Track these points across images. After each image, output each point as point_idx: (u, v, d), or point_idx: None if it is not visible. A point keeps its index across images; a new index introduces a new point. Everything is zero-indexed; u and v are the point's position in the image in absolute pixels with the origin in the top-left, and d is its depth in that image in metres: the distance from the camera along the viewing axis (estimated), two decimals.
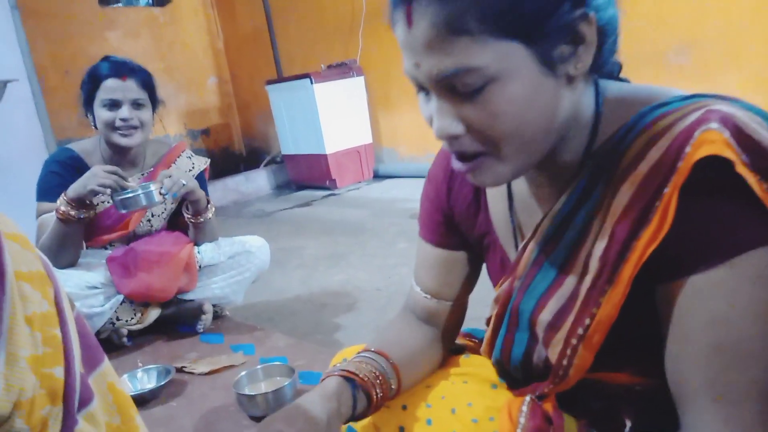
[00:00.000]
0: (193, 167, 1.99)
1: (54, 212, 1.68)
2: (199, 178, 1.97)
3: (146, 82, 1.82)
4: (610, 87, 0.64)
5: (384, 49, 4.55)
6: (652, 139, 0.55)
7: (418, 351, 0.83)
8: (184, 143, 2.11)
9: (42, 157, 2.84)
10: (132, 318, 1.85)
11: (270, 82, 4.82)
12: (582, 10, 0.54)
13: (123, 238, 1.90)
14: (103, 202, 1.81)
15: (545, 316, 0.65)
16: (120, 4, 5.50)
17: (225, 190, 4.85)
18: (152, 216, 1.94)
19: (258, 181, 5.15)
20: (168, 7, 5.66)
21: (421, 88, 0.60)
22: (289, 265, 2.78)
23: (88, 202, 1.69)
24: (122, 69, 1.77)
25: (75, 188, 1.66)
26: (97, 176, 1.64)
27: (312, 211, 4.12)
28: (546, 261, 0.65)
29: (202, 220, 1.88)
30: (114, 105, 1.76)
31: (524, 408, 0.69)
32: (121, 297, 1.80)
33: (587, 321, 0.60)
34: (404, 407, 0.80)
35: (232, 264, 1.93)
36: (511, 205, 0.73)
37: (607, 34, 0.58)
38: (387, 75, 4.63)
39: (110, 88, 1.75)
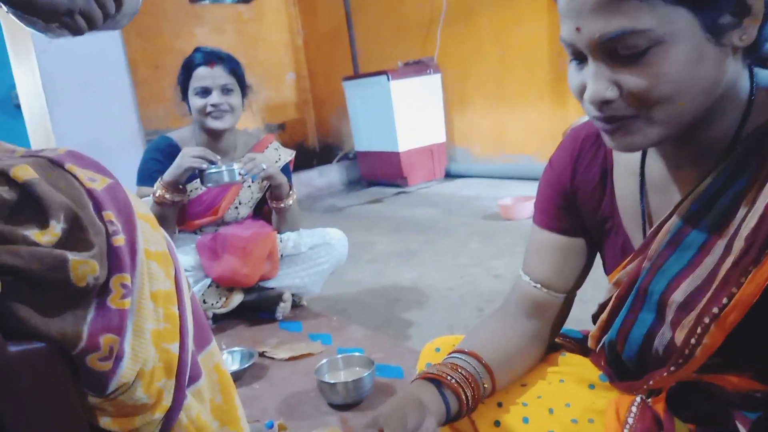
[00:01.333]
0: (279, 158, 2.06)
1: (151, 196, 1.79)
2: (284, 169, 2.05)
3: (234, 68, 1.92)
4: (763, 74, 0.62)
5: (462, 47, 4.53)
6: None
7: (515, 349, 0.82)
8: (272, 136, 2.19)
9: (138, 145, 3.02)
10: (217, 302, 1.93)
11: (347, 79, 4.89)
12: None
13: (212, 224, 2.00)
14: (196, 189, 1.91)
15: (678, 296, 0.63)
16: (207, 1, 5.74)
17: (298, 183, 4.95)
18: (239, 204, 2.02)
19: (330, 176, 5.25)
20: (252, 5, 5.85)
21: (575, 56, 0.61)
22: (361, 260, 2.82)
23: (181, 186, 1.80)
24: (211, 57, 1.88)
25: (170, 171, 1.78)
26: (187, 155, 1.75)
27: (383, 207, 4.16)
28: (683, 242, 0.64)
29: (283, 205, 1.96)
30: (205, 92, 1.87)
31: (633, 408, 0.67)
32: (209, 280, 1.90)
33: (725, 300, 0.58)
34: (499, 404, 0.79)
35: (312, 255, 1.99)
36: (643, 188, 0.72)
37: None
38: (464, 74, 4.60)
39: (201, 76, 1.86)
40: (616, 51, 0.56)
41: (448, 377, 0.73)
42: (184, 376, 0.66)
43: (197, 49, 1.94)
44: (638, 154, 0.73)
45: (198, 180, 1.83)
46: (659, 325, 0.66)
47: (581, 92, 0.61)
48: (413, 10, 4.83)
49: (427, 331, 1.95)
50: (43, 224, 0.56)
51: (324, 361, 1.48)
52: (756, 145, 0.59)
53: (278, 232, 2.01)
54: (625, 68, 0.56)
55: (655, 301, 0.66)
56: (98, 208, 0.60)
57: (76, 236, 0.56)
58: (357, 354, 1.52)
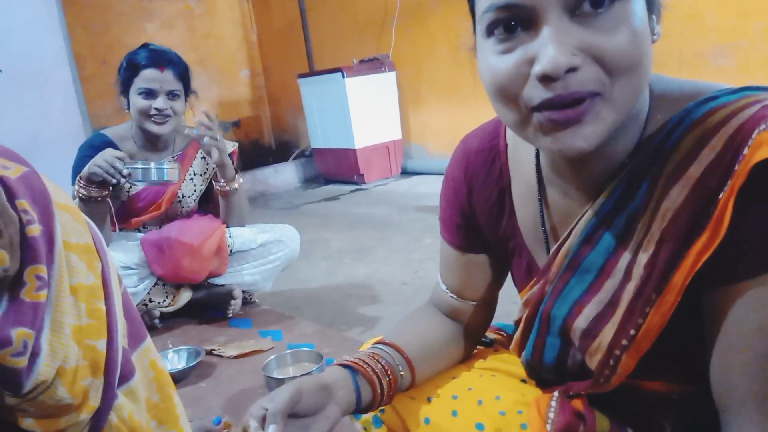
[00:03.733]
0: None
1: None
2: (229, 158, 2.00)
3: (183, 74, 1.86)
4: (655, 80, 0.60)
5: (416, 45, 4.55)
6: (704, 138, 0.52)
7: (438, 344, 0.81)
8: None
9: (80, 141, 2.92)
10: (164, 300, 1.89)
11: (302, 76, 4.86)
12: None
13: (155, 220, 1.95)
14: (135, 185, 1.85)
15: (580, 323, 0.62)
16: None
17: (254, 181, 4.91)
18: (183, 197, 1.98)
19: (286, 173, 5.20)
20: (204, 0, 5.74)
21: (515, 23, 0.51)
22: (314, 257, 2.81)
23: (96, 180, 1.72)
24: (161, 60, 1.80)
25: (84, 169, 1.71)
26: (99, 159, 1.68)
27: (339, 205, 4.14)
28: (581, 265, 0.62)
29: (228, 189, 1.91)
30: (150, 94, 1.80)
31: (553, 403, 0.67)
32: (154, 278, 1.85)
33: (632, 332, 0.57)
34: (429, 399, 0.79)
35: (262, 251, 1.96)
36: (542, 207, 0.69)
37: None
38: (419, 71, 4.63)
39: (148, 77, 1.79)
40: (579, 6, 0.49)
41: (365, 365, 0.72)
42: (113, 375, 0.63)
43: (146, 47, 1.85)
44: (533, 171, 0.68)
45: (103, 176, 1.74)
46: (569, 349, 0.66)
47: (516, 77, 0.52)
48: (368, 6, 4.82)
49: (380, 325, 1.95)
50: None
51: (272, 357, 1.46)
52: (648, 158, 0.56)
53: (226, 225, 1.97)
54: (588, 29, 0.49)
55: (559, 326, 0.65)
56: (11, 197, 0.57)
57: None
58: (306, 349, 1.51)
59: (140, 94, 1.80)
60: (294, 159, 5.44)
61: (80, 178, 1.71)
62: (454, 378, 0.81)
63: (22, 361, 0.54)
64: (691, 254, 0.52)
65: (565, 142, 0.51)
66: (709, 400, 0.56)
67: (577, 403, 0.67)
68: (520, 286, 0.76)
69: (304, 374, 1.35)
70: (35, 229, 0.57)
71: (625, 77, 0.50)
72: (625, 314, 0.58)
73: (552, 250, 0.66)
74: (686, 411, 0.64)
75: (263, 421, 0.65)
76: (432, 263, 2.50)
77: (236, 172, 1.94)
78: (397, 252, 2.76)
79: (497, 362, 0.83)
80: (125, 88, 1.84)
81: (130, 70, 1.81)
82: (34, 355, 0.55)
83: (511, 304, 0.87)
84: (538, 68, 0.49)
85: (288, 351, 1.50)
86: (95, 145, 1.87)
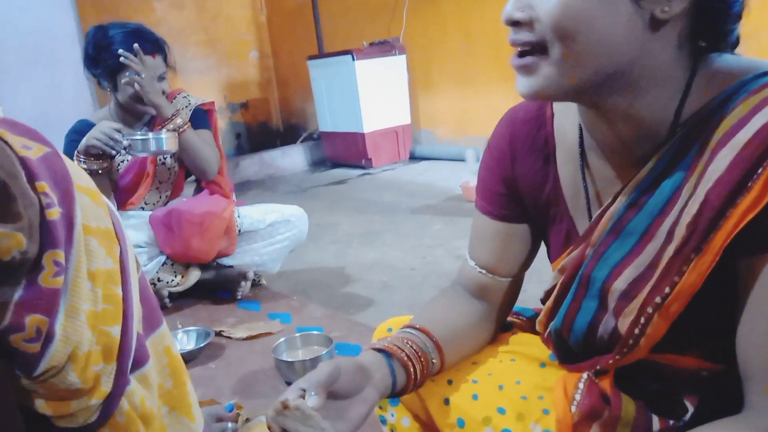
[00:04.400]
0: (189, 104, 2.00)
1: None
2: (197, 112, 1.99)
3: (167, 55, 1.87)
4: (712, 57, 0.61)
5: (427, 28, 4.50)
6: (758, 106, 0.53)
7: (464, 328, 0.81)
8: (179, 88, 2.11)
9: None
10: (173, 279, 1.90)
11: (311, 58, 4.82)
12: None
13: (152, 192, 1.97)
14: (122, 162, 1.87)
15: (619, 284, 0.63)
16: None
17: (261, 164, 4.90)
18: (159, 183, 1.99)
19: (294, 156, 5.19)
20: None
21: None
22: (323, 241, 2.81)
23: (94, 153, 1.74)
24: (150, 46, 1.79)
25: (81, 141, 1.73)
26: (98, 130, 1.70)
27: (347, 188, 4.14)
28: (625, 228, 0.63)
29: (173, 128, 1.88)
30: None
31: (581, 385, 0.67)
32: (164, 257, 1.86)
33: (667, 289, 0.58)
34: (450, 382, 0.79)
35: (271, 231, 1.97)
36: (584, 174, 0.71)
37: None
38: (429, 55, 4.59)
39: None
40: None
41: (399, 350, 0.72)
42: (126, 361, 0.62)
43: (127, 30, 1.81)
44: (576, 137, 0.71)
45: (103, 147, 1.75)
46: (603, 313, 0.66)
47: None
48: None
49: (388, 310, 1.95)
50: None
51: (282, 339, 1.47)
52: (695, 130, 0.58)
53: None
54: None
55: (598, 289, 0.66)
56: (32, 178, 0.57)
57: (2, 207, 0.53)
58: (315, 332, 1.52)
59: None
60: (302, 142, 5.43)
61: (79, 152, 1.73)
62: (474, 363, 0.81)
63: (35, 347, 0.54)
64: (734, 216, 0.53)
65: (520, 86, 0.61)
66: (737, 382, 0.56)
67: (605, 384, 0.67)
68: (554, 254, 0.77)
69: (314, 357, 1.36)
70: (55, 213, 0.57)
71: (561, 39, 0.55)
72: (662, 272, 0.59)
73: (596, 215, 0.67)
74: (713, 391, 0.64)
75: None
76: (441, 249, 2.50)
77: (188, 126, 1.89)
78: (405, 237, 2.75)
79: (516, 345, 0.83)
80: (111, 73, 1.82)
81: (116, 57, 1.77)
82: (48, 340, 0.54)
83: (523, 291, 0.87)
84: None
85: (297, 334, 1.51)
86: (79, 129, 1.88)
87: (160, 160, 1.98)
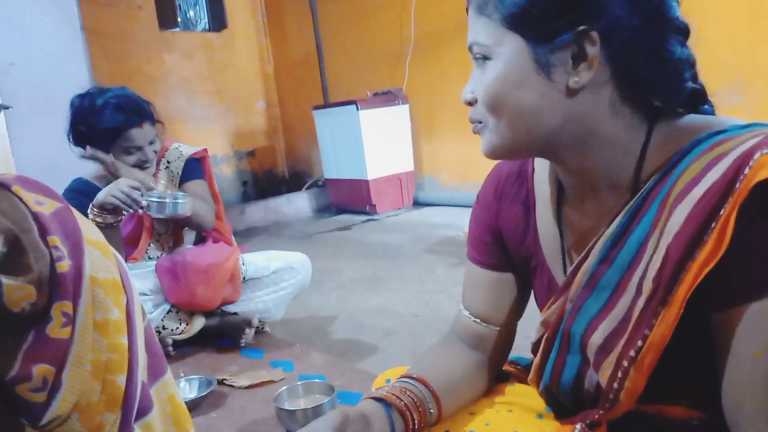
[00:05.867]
0: (180, 155, 2.02)
1: None
2: (189, 162, 2.00)
3: (154, 119, 1.89)
4: (673, 116, 0.64)
5: (430, 78, 4.62)
6: (710, 164, 0.55)
7: (461, 377, 0.82)
8: (172, 139, 2.13)
9: (96, 169, 2.98)
10: (177, 327, 1.90)
11: (317, 107, 4.93)
12: (583, 27, 0.58)
13: (155, 244, 1.98)
14: (124, 213, 1.89)
15: (596, 338, 0.64)
16: (178, 29, 5.75)
17: (267, 210, 4.95)
18: (159, 235, 2.00)
19: (299, 203, 5.24)
20: (223, 33, 5.89)
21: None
22: (326, 286, 2.81)
23: (110, 208, 1.74)
24: (138, 118, 1.82)
25: (98, 195, 1.73)
26: (116, 188, 1.70)
27: (351, 234, 4.16)
28: (598, 283, 0.65)
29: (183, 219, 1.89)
30: (136, 150, 1.84)
31: None
32: (168, 305, 1.86)
33: (639, 342, 0.59)
34: None
35: (275, 278, 1.98)
36: (561, 227, 0.74)
37: (626, 58, 0.60)
38: (431, 104, 4.69)
39: (131, 137, 1.81)
40: (476, 58, 0.65)
41: (397, 399, 0.73)
42: (131, 410, 0.63)
43: (112, 105, 1.82)
44: (554, 191, 0.75)
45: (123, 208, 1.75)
46: (586, 367, 0.67)
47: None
48: (383, 41, 4.92)
49: (391, 357, 1.94)
50: None
51: (284, 388, 1.46)
52: (655, 186, 0.60)
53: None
54: (478, 77, 0.66)
55: (578, 344, 0.67)
56: (43, 233, 0.59)
57: (14, 260, 0.55)
58: (317, 381, 1.51)
59: (125, 152, 1.83)
60: (307, 189, 5.49)
61: (93, 206, 1.74)
62: (471, 414, 0.81)
63: (41, 396, 0.55)
64: (692, 268, 0.54)
65: (482, 147, 0.69)
66: (727, 431, 0.56)
67: None
68: (541, 304, 0.79)
69: (316, 406, 1.35)
70: (65, 265, 0.58)
71: (492, 114, 0.65)
72: (634, 326, 0.60)
73: (571, 269, 0.69)
74: None
75: None
76: (444, 295, 2.49)
77: (185, 202, 1.85)
78: (409, 282, 2.76)
79: (513, 396, 0.83)
80: (103, 148, 1.82)
81: (109, 133, 1.81)
82: (54, 390, 0.55)
83: (524, 338, 0.88)
84: None
85: (299, 382, 1.50)
86: (75, 188, 1.90)
87: (153, 238, 1.99)
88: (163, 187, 1.93)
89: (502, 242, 0.82)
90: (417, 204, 4.87)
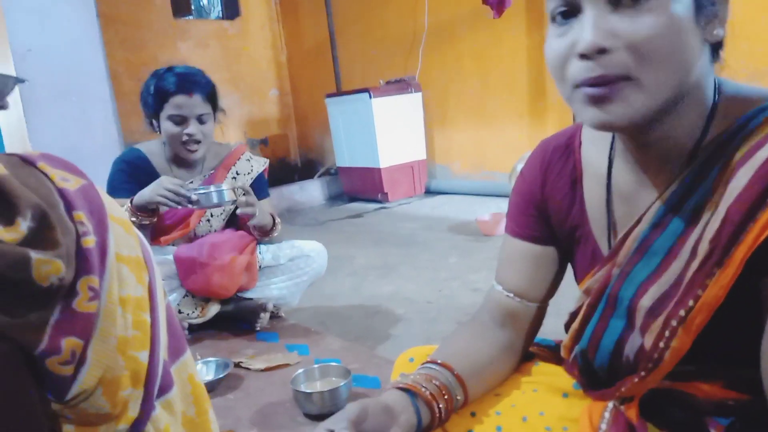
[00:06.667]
0: (251, 170, 2.05)
1: (122, 207, 1.75)
2: (259, 179, 2.04)
3: (211, 95, 1.88)
4: (726, 83, 0.64)
5: (443, 66, 4.59)
6: None
7: (488, 360, 0.82)
8: (244, 147, 2.16)
9: (116, 155, 3.01)
10: (193, 312, 1.92)
11: (329, 95, 4.93)
12: None
13: (184, 238, 1.98)
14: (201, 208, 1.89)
15: (646, 301, 0.64)
16: (191, 17, 5.76)
17: (280, 198, 4.96)
18: (211, 216, 2.00)
19: (312, 191, 5.25)
20: (237, 21, 5.88)
21: (567, 8, 0.59)
22: (340, 273, 2.82)
23: (151, 209, 1.76)
24: (189, 85, 1.81)
25: (140, 197, 1.72)
26: (161, 187, 1.70)
27: (363, 222, 4.17)
28: (650, 248, 0.65)
29: (268, 239, 1.96)
30: (181, 120, 1.82)
31: (606, 414, 0.67)
32: (184, 290, 1.88)
33: (690, 303, 0.59)
34: (473, 414, 0.79)
35: (291, 266, 1.99)
36: (609, 197, 0.73)
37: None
38: (445, 92, 4.67)
39: (178, 104, 1.80)
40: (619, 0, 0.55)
41: (423, 388, 0.73)
42: (153, 387, 0.63)
43: (172, 71, 1.85)
44: (605, 163, 0.74)
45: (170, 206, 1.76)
46: (629, 332, 0.67)
47: (565, 56, 0.59)
48: (396, 29, 4.90)
49: (405, 343, 1.94)
50: (10, 221, 0.55)
51: (300, 371, 1.47)
52: (716, 152, 0.60)
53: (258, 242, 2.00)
54: (626, 16, 0.55)
55: (625, 308, 0.67)
56: (69, 208, 0.59)
57: (42, 235, 0.55)
58: (334, 364, 1.52)
59: (170, 119, 1.82)
60: (319, 177, 5.50)
61: (134, 207, 1.73)
62: (497, 395, 0.81)
63: (69, 369, 0.55)
64: (754, 230, 0.54)
65: (598, 117, 0.59)
66: (764, 412, 0.56)
67: (631, 413, 0.67)
68: (580, 276, 0.79)
69: (332, 389, 1.36)
70: (90, 241, 0.59)
71: (656, 65, 0.56)
72: (685, 287, 0.60)
73: (621, 236, 0.69)
74: (740, 420, 0.64)
75: None
76: (457, 282, 2.49)
77: (274, 222, 1.95)
78: (422, 270, 2.76)
79: (539, 376, 0.84)
80: (154, 112, 1.86)
81: (158, 96, 1.82)
82: (80, 364, 0.56)
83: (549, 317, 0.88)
84: (577, 48, 0.58)
85: (316, 365, 1.51)
86: (128, 159, 1.91)
87: (206, 217, 1.99)
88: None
89: (545, 215, 0.82)
90: (429, 192, 4.86)
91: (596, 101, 0.58)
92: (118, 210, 0.66)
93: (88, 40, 3.00)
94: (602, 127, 0.60)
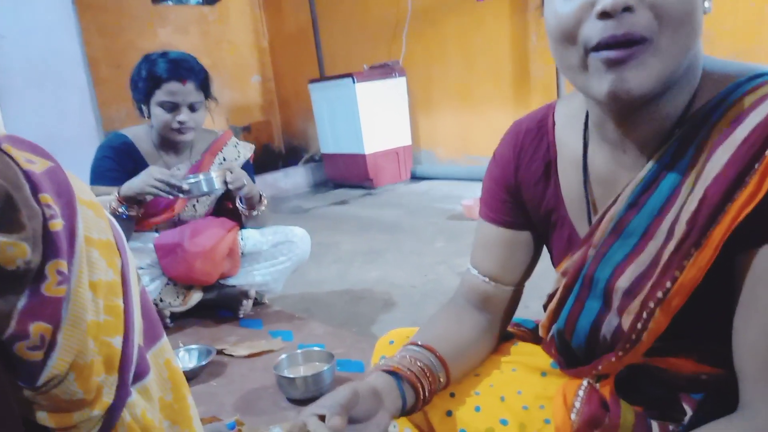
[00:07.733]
0: (239, 156, 2.03)
1: (108, 195, 1.73)
2: (246, 166, 2.01)
3: (203, 83, 1.84)
4: (708, 58, 0.63)
5: (427, 51, 4.56)
6: (753, 105, 0.55)
7: (468, 342, 0.82)
8: (230, 132, 2.13)
9: (94, 143, 2.96)
10: (175, 300, 1.90)
11: (312, 81, 4.88)
12: None
13: (168, 222, 1.96)
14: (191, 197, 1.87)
15: (622, 283, 0.64)
16: (170, 2, 5.65)
17: (263, 185, 4.91)
18: (197, 201, 1.98)
19: (296, 178, 5.22)
20: (217, 6, 5.79)
21: None
22: (325, 260, 2.81)
23: (137, 202, 1.73)
24: (183, 72, 1.77)
25: (129, 188, 1.69)
26: (150, 178, 1.67)
27: (348, 209, 4.15)
28: (626, 229, 0.64)
29: (256, 213, 1.94)
30: (173, 107, 1.78)
31: (580, 392, 0.67)
32: (165, 278, 1.86)
33: (668, 284, 0.59)
34: (452, 394, 0.79)
35: (274, 252, 1.98)
36: (586, 178, 0.72)
37: None
38: (429, 77, 4.64)
39: (170, 91, 1.76)
40: None
41: (407, 370, 0.72)
42: (128, 372, 0.62)
43: (165, 57, 1.80)
44: (580, 144, 0.72)
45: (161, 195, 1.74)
46: (606, 312, 0.67)
47: (579, 18, 0.56)
48: (379, 13, 4.85)
49: (391, 327, 1.92)
50: None
51: (283, 356, 1.47)
52: (694, 130, 0.59)
53: (242, 227, 1.98)
54: None
55: (601, 289, 0.66)
56: (35, 191, 0.58)
57: (7, 217, 0.54)
58: (317, 349, 1.52)
59: (161, 106, 1.78)
60: (304, 163, 5.47)
61: (122, 197, 1.70)
62: (476, 375, 0.81)
63: (38, 355, 0.54)
64: (731, 210, 0.54)
65: (615, 84, 0.56)
66: (736, 385, 0.56)
67: (605, 390, 0.68)
68: (557, 259, 0.78)
69: (316, 374, 1.36)
70: (57, 224, 0.58)
71: (675, 27, 0.54)
72: (662, 268, 0.59)
73: (596, 217, 0.68)
74: (712, 395, 0.65)
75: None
76: (442, 266, 2.50)
77: (261, 196, 1.95)
78: (407, 255, 2.76)
79: (517, 355, 0.84)
80: (144, 98, 1.82)
81: (150, 81, 1.78)
82: (50, 349, 0.55)
83: (523, 308, 0.87)
84: (599, 6, 0.54)
85: (299, 350, 1.51)
86: (114, 146, 1.87)
87: (191, 202, 1.96)
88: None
89: (519, 200, 0.80)
90: (414, 178, 4.85)
91: (615, 65, 0.55)
92: (87, 193, 0.65)
93: (64, 27, 2.94)
94: (618, 95, 0.56)
